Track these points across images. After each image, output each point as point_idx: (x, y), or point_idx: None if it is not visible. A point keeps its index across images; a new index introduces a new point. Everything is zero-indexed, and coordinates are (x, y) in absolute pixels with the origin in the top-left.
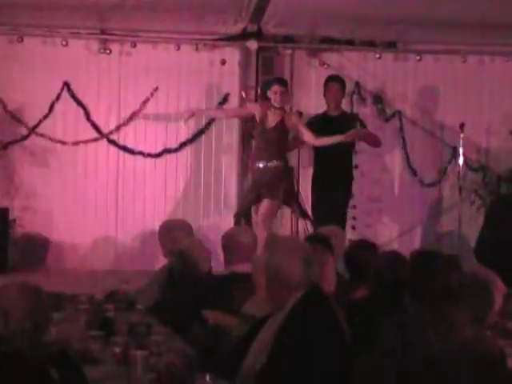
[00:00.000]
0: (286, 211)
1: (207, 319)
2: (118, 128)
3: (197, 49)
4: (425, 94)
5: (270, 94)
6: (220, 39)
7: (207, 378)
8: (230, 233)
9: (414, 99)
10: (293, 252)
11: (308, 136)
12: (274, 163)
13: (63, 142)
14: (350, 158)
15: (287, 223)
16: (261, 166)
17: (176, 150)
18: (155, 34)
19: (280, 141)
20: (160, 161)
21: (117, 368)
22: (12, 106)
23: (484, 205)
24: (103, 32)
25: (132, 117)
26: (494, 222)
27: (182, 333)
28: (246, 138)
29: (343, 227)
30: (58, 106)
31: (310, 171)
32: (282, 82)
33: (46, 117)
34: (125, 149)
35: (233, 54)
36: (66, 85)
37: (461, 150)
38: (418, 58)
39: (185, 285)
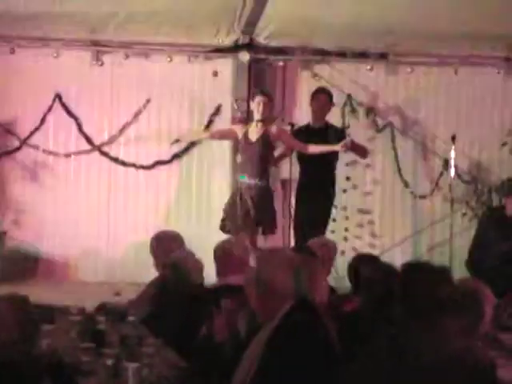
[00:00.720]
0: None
1: None
2: (110, 140)
3: (189, 60)
4: (416, 105)
5: (253, 105)
6: (212, 51)
7: None
8: (222, 245)
9: (405, 111)
10: (282, 264)
11: (299, 145)
12: (259, 180)
13: (55, 154)
14: (333, 171)
15: (279, 234)
16: (247, 182)
17: (168, 162)
18: (147, 46)
19: (264, 154)
20: (152, 173)
21: (108, 380)
22: (3, 117)
23: (475, 216)
24: (95, 43)
25: (124, 128)
26: (485, 233)
27: (174, 345)
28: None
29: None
30: (50, 118)
31: None
32: (264, 93)
33: (37, 128)
34: (117, 161)
35: (225, 66)
36: (58, 96)
37: (452, 162)
38: (409, 69)
39: (177, 297)
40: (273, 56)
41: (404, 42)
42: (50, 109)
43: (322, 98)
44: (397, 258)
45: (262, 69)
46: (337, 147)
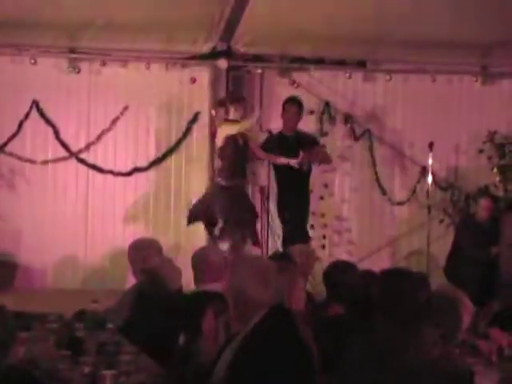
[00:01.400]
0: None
1: None
2: (87, 147)
3: (167, 68)
4: (394, 113)
5: (230, 109)
6: (190, 58)
7: None
8: (200, 252)
9: (383, 118)
10: (253, 273)
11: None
12: (235, 182)
13: (32, 161)
14: (307, 178)
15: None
16: (223, 183)
17: (146, 169)
18: (125, 53)
19: (240, 156)
20: (130, 180)
21: None
22: None
23: (453, 223)
24: (72, 51)
25: (101, 136)
26: (462, 240)
27: (152, 352)
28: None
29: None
30: (27, 125)
31: None
32: (236, 97)
33: (14, 136)
34: (94, 167)
35: (203, 73)
36: (35, 103)
37: (430, 169)
38: (387, 77)
39: (154, 304)
40: (251, 63)
41: (382, 49)
42: (26, 116)
43: (292, 109)
44: (374, 265)
45: (240, 76)
46: (293, 162)
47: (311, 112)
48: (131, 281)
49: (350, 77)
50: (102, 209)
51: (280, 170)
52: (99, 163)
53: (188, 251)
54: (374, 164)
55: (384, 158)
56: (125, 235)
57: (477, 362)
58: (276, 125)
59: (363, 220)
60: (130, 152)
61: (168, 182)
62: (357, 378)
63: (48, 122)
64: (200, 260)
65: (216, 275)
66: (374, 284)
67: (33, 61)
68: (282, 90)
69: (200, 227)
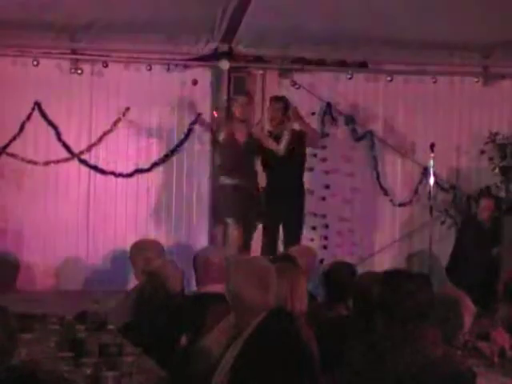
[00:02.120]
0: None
1: None
2: (89, 148)
3: (168, 69)
4: (396, 114)
5: (234, 108)
6: (191, 59)
7: None
8: (202, 253)
9: (384, 119)
10: (249, 277)
11: (274, 146)
12: (243, 182)
13: (34, 162)
14: (301, 177)
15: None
16: (228, 182)
17: (148, 170)
18: (127, 54)
19: (248, 155)
20: (131, 181)
21: None
22: None
23: (454, 224)
24: (74, 52)
25: (103, 137)
26: (463, 241)
27: (154, 354)
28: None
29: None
30: (29, 126)
31: None
32: (245, 94)
33: (16, 137)
34: (96, 169)
35: (204, 74)
36: (37, 105)
37: (431, 170)
38: (388, 78)
39: (155, 305)
40: (252, 64)
41: (383, 50)
42: (28, 117)
43: (276, 106)
44: (376, 266)
45: (242, 77)
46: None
47: (313, 113)
48: (133, 282)
49: (351, 78)
50: (103, 210)
51: (272, 169)
52: (101, 164)
53: (190, 252)
54: (375, 165)
55: (385, 158)
56: (127, 236)
57: (478, 364)
58: None
59: (365, 221)
60: (131, 153)
61: (170, 183)
62: (358, 379)
63: (50, 123)
64: (202, 261)
65: (217, 276)
66: (375, 285)
67: (35, 62)
68: (284, 90)
69: (201, 227)
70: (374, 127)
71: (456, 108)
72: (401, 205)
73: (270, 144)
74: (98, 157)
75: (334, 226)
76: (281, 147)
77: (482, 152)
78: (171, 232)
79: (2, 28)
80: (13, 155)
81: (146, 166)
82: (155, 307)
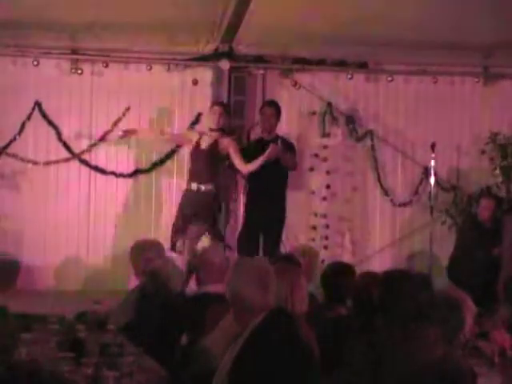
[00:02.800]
0: None
1: None
2: (89, 148)
3: (169, 69)
4: (396, 114)
5: (209, 115)
6: (192, 59)
7: None
8: (203, 253)
9: (385, 119)
10: (249, 277)
11: (238, 163)
12: (205, 187)
13: (34, 162)
14: (283, 186)
15: None
16: (193, 188)
17: (148, 171)
18: (127, 54)
19: (211, 163)
20: (132, 181)
21: None
22: None
23: (455, 224)
24: (75, 52)
25: (104, 137)
26: (464, 241)
27: (154, 353)
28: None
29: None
30: (29, 126)
31: None
32: (221, 103)
33: (16, 137)
34: (96, 169)
35: (205, 74)
36: (37, 105)
37: (432, 170)
38: (389, 78)
39: (157, 305)
40: (253, 64)
41: (383, 50)
42: (29, 117)
43: (268, 111)
44: (377, 266)
45: (242, 77)
46: (266, 153)
47: (313, 113)
48: (133, 282)
49: (351, 78)
50: (104, 210)
51: (254, 176)
52: (101, 164)
53: None
54: (376, 165)
55: (386, 158)
56: (127, 236)
57: (479, 364)
58: (278, 126)
59: (365, 221)
60: (132, 153)
61: (170, 183)
62: (358, 379)
63: (50, 123)
64: (202, 261)
65: (218, 276)
66: (376, 285)
67: (35, 62)
68: (284, 90)
69: None
70: (375, 127)
71: (456, 108)
72: (401, 205)
73: (238, 163)
74: (99, 157)
75: (335, 226)
76: (248, 168)
77: (483, 152)
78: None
79: (1, 28)
80: (13, 155)
81: (147, 167)
82: (156, 307)
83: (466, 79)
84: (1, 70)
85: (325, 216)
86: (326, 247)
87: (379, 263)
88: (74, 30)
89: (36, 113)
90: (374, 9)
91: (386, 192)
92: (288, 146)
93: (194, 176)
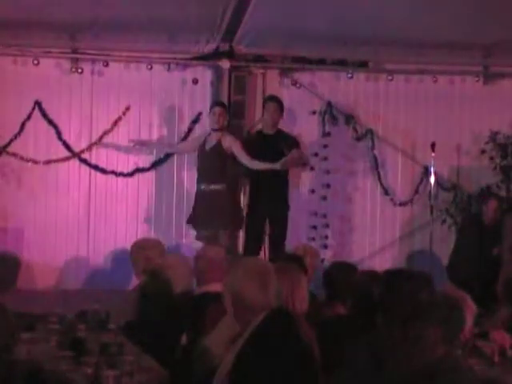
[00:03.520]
0: None
1: None
2: (89, 147)
3: (169, 68)
4: (396, 113)
5: (209, 116)
6: (192, 58)
7: None
8: (202, 252)
9: (385, 118)
10: (249, 276)
11: (245, 160)
12: (215, 186)
13: (34, 161)
14: (285, 182)
15: None
16: (202, 187)
17: (148, 170)
18: (127, 54)
19: (218, 163)
20: (132, 180)
21: None
22: None
23: (455, 224)
24: (75, 51)
25: (104, 136)
26: (464, 241)
27: (154, 353)
28: None
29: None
30: (29, 125)
31: None
32: (220, 104)
33: (17, 136)
34: (96, 168)
35: (205, 74)
36: (38, 104)
37: (432, 170)
38: (389, 77)
39: (157, 304)
40: (253, 64)
41: (383, 50)
42: (29, 116)
43: (271, 106)
44: (377, 266)
45: (242, 76)
46: (276, 166)
47: (313, 112)
48: (134, 281)
49: (352, 77)
50: (104, 209)
51: (255, 172)
52: (101, 164)
53: (191, 252)
54: (376, 164)
55: (386, 158)
56: (127, 235)
57: (479, 363)
58: (278, 125)
59: (365, 220)
60: (132, 152)
61: (170, 182)
62: (358, 379)
63: (50, 122)
64: (202, 261)
65: (218, 275)
66: (376, 284)
67: (35, 61)
68: (284, 90)
69: None
70: (375, 126)
71: (456, 107)
72: (401, 204)
73: (245, 160)
74: (99, 156)
75: (335, 225)
76: (254, 165)
77: (483, 151)
78: (172, 231)
79: (2, 27)
80: (13, 154)
81: (147, 166)
82: (156, 306)
83: (466, 78)
84: (1, 69)
85: (325, 215)
86: (325, 247)
87: (379, 263)
88: (74, 29)
89: (36, 112)
90: (374, 8)
91: (386, 191)
92: (292, 142)
93: (203, 176)
